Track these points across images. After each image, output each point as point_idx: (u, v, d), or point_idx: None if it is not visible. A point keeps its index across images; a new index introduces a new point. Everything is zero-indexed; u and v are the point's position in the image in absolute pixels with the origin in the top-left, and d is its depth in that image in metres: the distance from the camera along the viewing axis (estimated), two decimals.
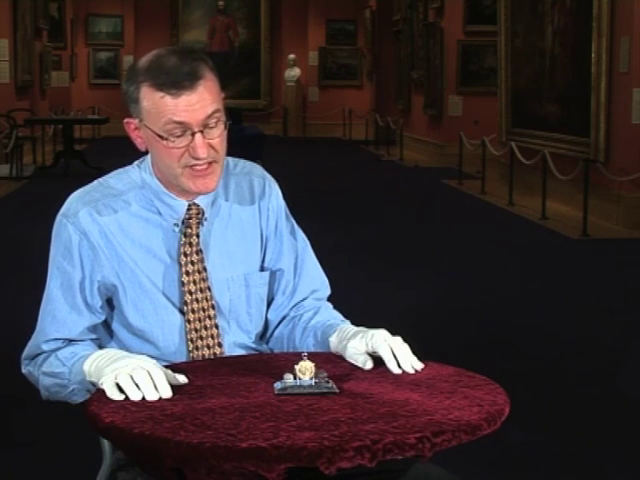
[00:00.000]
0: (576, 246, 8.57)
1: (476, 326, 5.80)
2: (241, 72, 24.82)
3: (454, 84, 16.12)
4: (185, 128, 1.99)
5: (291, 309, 2.20)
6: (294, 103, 23.67)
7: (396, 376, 1.88)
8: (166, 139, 2.00)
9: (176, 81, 1.97)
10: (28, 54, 16.37)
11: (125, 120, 2.07)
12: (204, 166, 2.02)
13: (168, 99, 1.97)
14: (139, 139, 2.06)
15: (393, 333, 1.98)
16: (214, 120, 2.01)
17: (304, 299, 2.21)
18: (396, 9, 20.01)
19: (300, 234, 2.25)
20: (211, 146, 2.01)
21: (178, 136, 1.99)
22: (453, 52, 16.00)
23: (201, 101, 1.98)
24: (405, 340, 1.96)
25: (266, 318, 2.20)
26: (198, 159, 2.00)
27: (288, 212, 2.25)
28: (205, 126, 1.99)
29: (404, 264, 7.66)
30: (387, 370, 1.92)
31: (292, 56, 23.55)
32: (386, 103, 21.31)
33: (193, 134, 1.99)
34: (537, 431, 4.08)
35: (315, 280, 2.24)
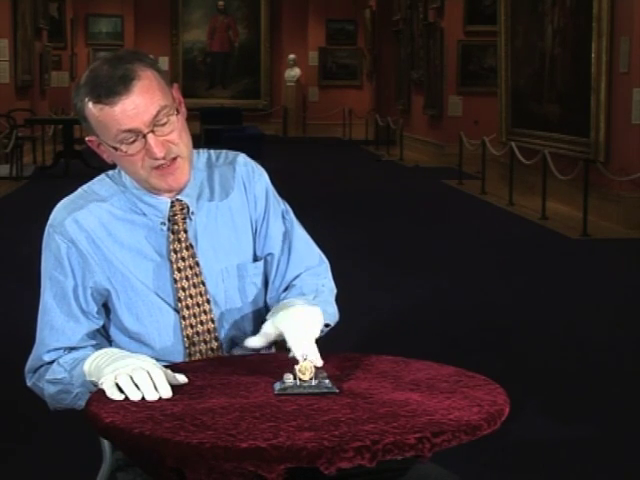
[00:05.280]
0: (576, 246, 8.57)
1: (476, 326, 5.80)
2: (241, 72, 24.84)
3: (454, 84, 16.12)
4: (135, 133, 1.97)
5: (284, 291, 2.19)
6: (294, 103, 23.68)
7: (396, 376, 1.88)
8: (121, 149, 1.99)
9: (110, 89, 1.95)
10: (28, 54, 16.37)
11: (86, 139, 2.07)
12: (168, 163, 2.02)
13: (108, 110, 1.96)
14: (104, 154, 2.06)
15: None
16: (163, 116, 1.99)
17: (297, 276, 2.19)
18: (396, 9, 20.02)
19: (289, 215, 2.23)
20: (169, 142, 2.00)
21: (132, 142, 1.98)
22: (453, 52, 16.00)
23: (142, 102, 1.96)
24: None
25: (266, 303, 2.20)
26: (157, 159, 2.00)
27: (276, 195, 2.23)
28: (155, 125, 1.98)
29: (404, 264, 7.66)
30: (386, 370, 1.92)
31: (292, 56, 23.56)
32: (386, 103, 21.32)
33: (145, 136, 1.98)
34: (537, 431, 4.08)
35: (305, 258, 2.22)
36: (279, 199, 2.24)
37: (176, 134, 2.01)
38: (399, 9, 19.67)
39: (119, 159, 2.04)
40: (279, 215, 2.21)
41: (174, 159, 2.02)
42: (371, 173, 15.13)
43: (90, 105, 1.98)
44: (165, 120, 1.99)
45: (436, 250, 8.34)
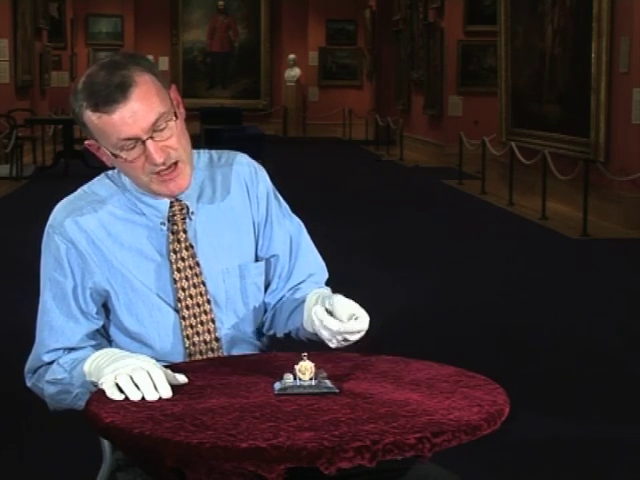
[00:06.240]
0: (576, 246, 8.57)
1: (476, 326, 5.80)
2: (241, 72, 24.84)
3: (454, 84, 16.12)
4: (134, 140, 1.97)
5: (288, 291, 2.19)
6: (294, 103, 23.67)
7: (396, 376, 1.88)
8: (121, 156, 1.99)
9: (108, 97, 1.94)
10: (28, 54, 16.37)
11: (86, 143, 2.07)
12: (170, 169, 2.01)
13: (106, 118, 1.96)
14: (104, 157, 2.05)
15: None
16: (162, 122, 1.98)
17: (301, 282, 2.20)
18: (396, 9, 20.02)
19: (294, 218, 2.24)
20: (168, 147, 2.00)
21: (131, 149, 1.98)
22: (453, 52, 16.00)
23: (140, 109, 1.96)
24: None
25: (263, 302, 2.19)
26: (157, 165, 1.99)
27: (279, 197, 2.23)
28: (154, 130, 1.97)
29: (404, 264, 7.66)
30: (386, 370, 1.92)
31: (292, 56, 23.56)
32: (386, 103, 21.32)
33: (144, 142, 1.97)
34: (537, 431, 4.08)
35: (311, 264, 2.23)
36: (280, 200, 2.24)
37: (175, 139, 2.01)
38: (399, 9, 19.67)
39: (119, 165, 2.04)
40: (282, 216, 2.21)
41: (175, 164, 2.02)
42: (371, 173, 15.13)
43: (88, 112, 1.98)
44: (164, 126, 1.99)
45: (436, 250, 8.34)
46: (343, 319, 1.91)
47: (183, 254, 2.09)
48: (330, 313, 1.93)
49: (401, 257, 8.01)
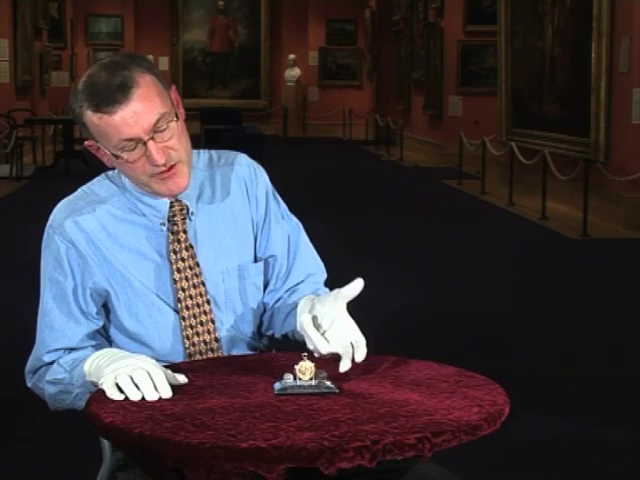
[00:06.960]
0: (576, 246, 8.57)
1: (476, 326, 5.80)
2: (241, 72, 24.85)
3: (454, 84, 16.12)
4: (136, 140, 1.97)
5: (286, 292, 2.19)
6: (294, 103, 23.68)
7: (396, 376, 1.88)
8: (122, 157, 1.99)
9: (109, 98, 1.94)
10: (28, 54, 16.37)
11: (85, 143, 2.06)
12: (169, 169, 2.01)
13: (107, 118, 1.95)
14: (104, 157, 2.05)
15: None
16: (163, 123, 1.98)
17: (299, 282, 2.20)
18: (396, 9, 20.02)
19: (293, 218, 2.23)
20: (169, 148, 1.99)
21: (132, 149, 1.98)
22: (453, 52, 16.00)
23: (141, 110, 1.95)
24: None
25: (262, 302, 2.19)
26: (157, 165, 1.99)
27: (278, 197, 2.23)
28: (155, 131, 1.97)
29: (404, 264, 7.66)
30: (386, 370, 1.92)
31: (292, 56, 23.56)
32: (386, 103, 21.32)
33: (145, 143, 1.97)
34: (537, 431, 4.08)
35: (310, 264, 2.22)
36: (279, 200, 2.23)
37: (176, 139, 2.01)
38: (399, 9, 19.67)
39: (119, 165, 2.03)
40: (280, 216, 2.21)
41: (174, 164, 2.02)
42: (371, 173, 15.13)
43: (89, 113, 1.97)
44: (165, 126, 1.99)
45: (436, 250, 8.34)
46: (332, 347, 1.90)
47: (183, 254, 2.09)
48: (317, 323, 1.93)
49: (401, 257, 8.01)
